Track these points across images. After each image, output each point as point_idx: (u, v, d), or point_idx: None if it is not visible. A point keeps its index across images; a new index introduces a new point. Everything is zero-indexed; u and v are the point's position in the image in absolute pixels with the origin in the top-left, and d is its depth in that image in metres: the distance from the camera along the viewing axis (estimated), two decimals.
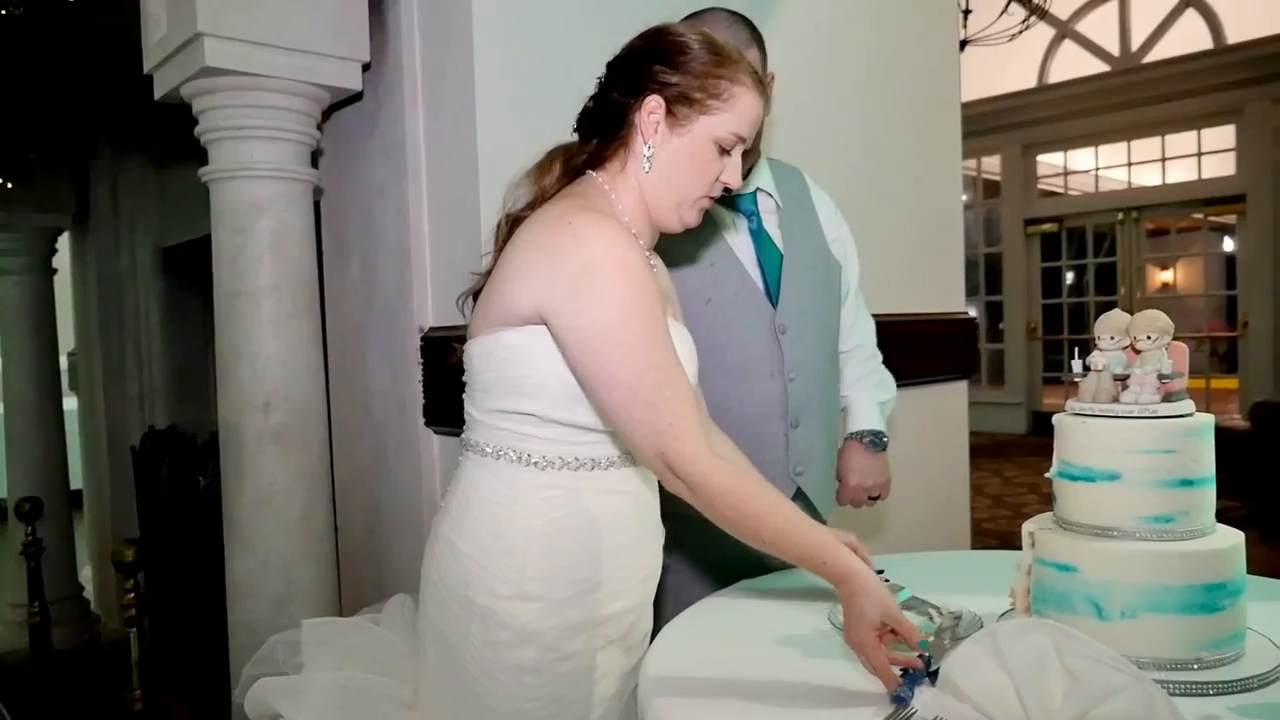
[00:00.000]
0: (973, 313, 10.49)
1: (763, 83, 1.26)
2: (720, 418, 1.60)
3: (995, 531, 5.60)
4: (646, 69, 1.22)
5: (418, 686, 1.29)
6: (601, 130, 1.26)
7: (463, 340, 1.28)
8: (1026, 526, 1.21)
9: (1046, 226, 9.95)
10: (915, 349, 2.77)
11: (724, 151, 1.24)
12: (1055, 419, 1.19)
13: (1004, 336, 10.19)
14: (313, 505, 2.11)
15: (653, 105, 1.21)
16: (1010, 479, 7.39)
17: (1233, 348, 9.22)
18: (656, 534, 1.32)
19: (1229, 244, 10.21)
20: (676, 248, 1.62)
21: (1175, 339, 1.17)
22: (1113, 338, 1.18)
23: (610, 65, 1.28)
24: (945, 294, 3.03)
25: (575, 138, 1.32)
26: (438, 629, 1.24)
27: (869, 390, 1.88)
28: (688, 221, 1.27)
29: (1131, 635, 1.07)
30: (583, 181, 1.27)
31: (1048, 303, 10.10)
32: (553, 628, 1.19)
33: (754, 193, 1.71)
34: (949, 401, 3.05)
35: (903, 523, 2.83)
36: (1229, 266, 9.70)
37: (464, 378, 1.27)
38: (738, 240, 1.67)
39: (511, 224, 1.26)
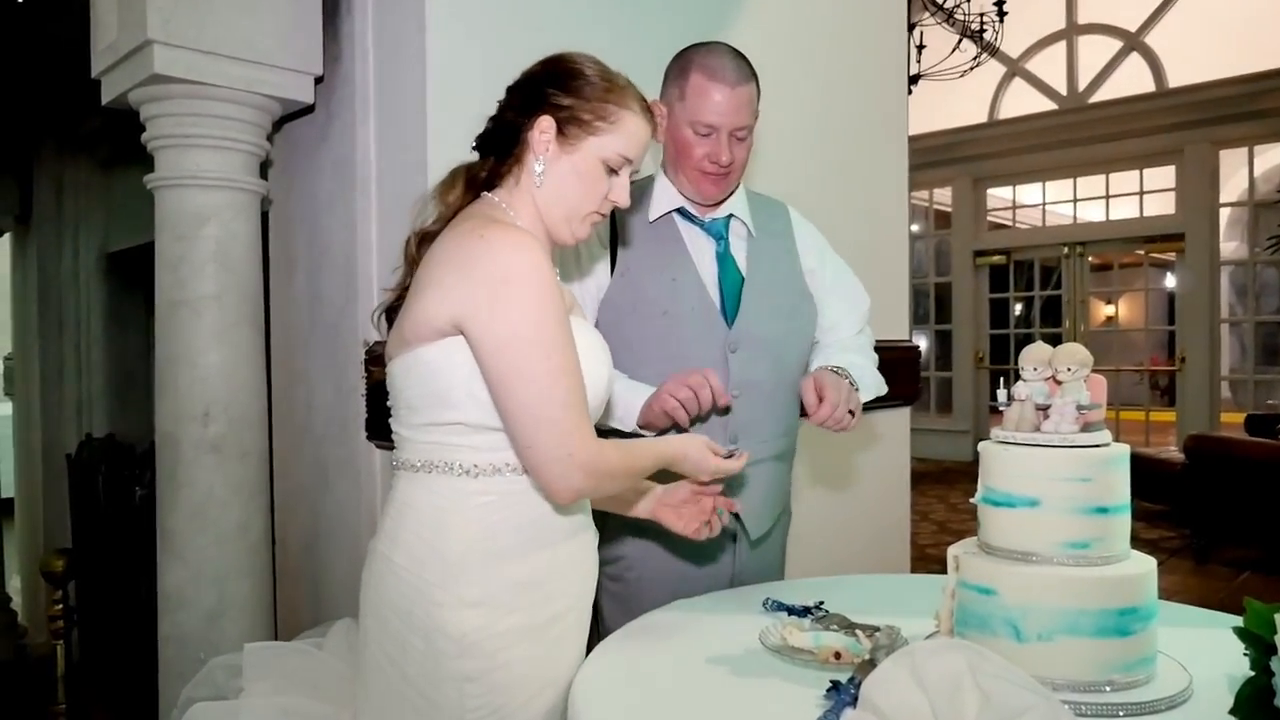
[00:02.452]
0: (923, 341, 10.52)
1: (650, 111, 1.35)
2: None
3: (938, 557, 5.63)
4: (541, 91, 1.30)
5: (356, 711, 1.28)
6: (498, 148, 1.32)
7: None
8: (951, 550, 1.23)
9: (995, 258, 10.16)
10: None
11: (612, 171, 1.32)
12: (980, 446, 1.23)
13: (953, 365, 10.36)
14: (250, 517, 2.09)
15: (544, 124, 1.28)
16: (955, 505, 7.48)
17: (1172, 381, 9.47)
18: (590, 531, 1.35)
19: (1170, 280, 10.51)
20: (642, 259, 1.67)
21: (1115, 372, 1.20)
22: (1035, 369, 1.22)
23: (509, 88, 1.36)
24: (890, 322, 3.07)
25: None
26: (378, 645, 1.23)
27: (855, 352, 1.82)
28: (578, 235, 1.34)
29: (1047, 657, 1.10)
30: (481, 202, 1.32)
31: (995, 333, 10.30)
32: (494, 636, 1.19)
33: (727, 218, 1.75)
34: (892, 428, 3.09)
35: (844, 547, 2.86)
36: (1170, 302, 9.98)
37: (389, 401, 1.28)
38: (702, 260, 1.71)
39: (420, 240, 1.32)
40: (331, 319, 2.22)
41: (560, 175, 1.29)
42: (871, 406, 2.93)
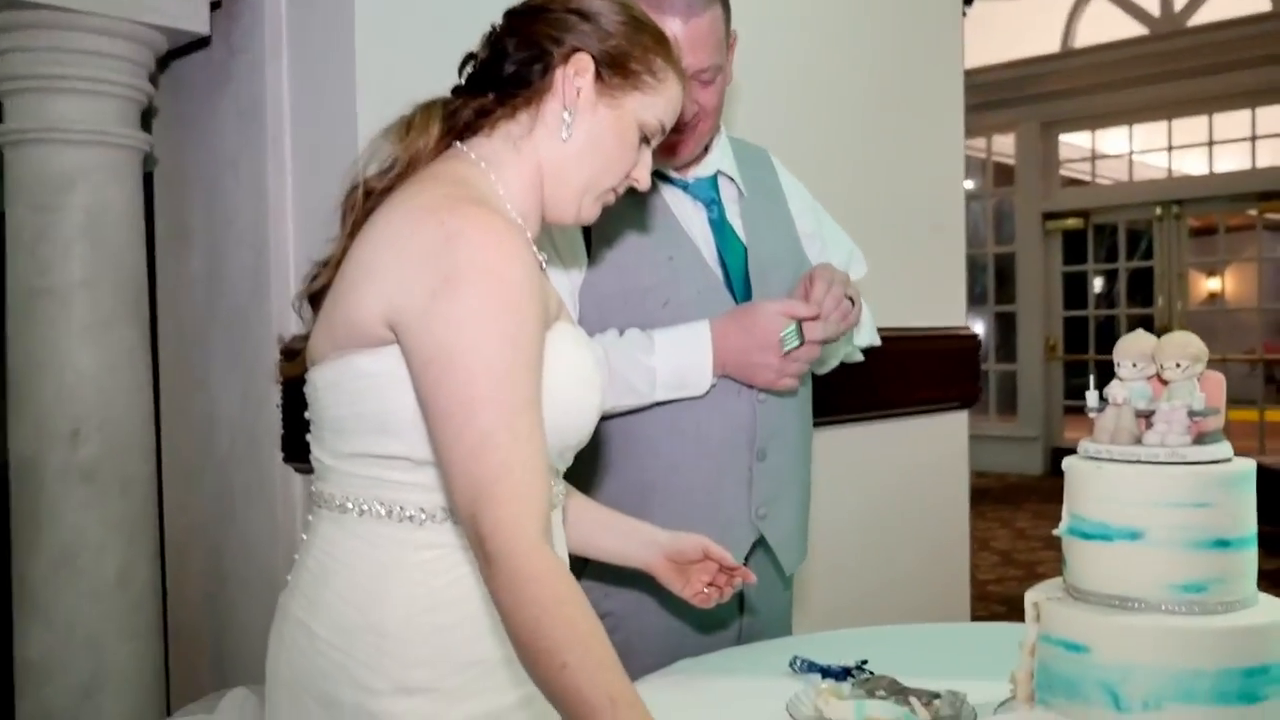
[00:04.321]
0: (979, 327, 10.57)
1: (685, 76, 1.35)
2: (674, 444, 1.66)
3: (1003, 596, 5.70)
4: (570, 19, 1.24)
5: None
6: (501, 84, 1.26)
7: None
8: (1030, 595, 1.23)
9: (1070, 222, 10.21)
10: (905, 373, 2.82)
11: (644, 140, 1.29)
12: (1065, 463, 1.22)
13: (1017, 356, 10.40)
14: (133, 564, 2.08)
15: (581, 63, 1.23)
16: (1023, 531, 7.54)
17: None
18: None
19: None
20: (625, 237, 1.67)
21: (1222, 362, 1.20)
22: (1135, 365, 1.21)
23: (518, 10, 1.29)
24: (942, 305, 3.09)
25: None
26: None
27: None
28: (585, 215, 1.30)
29: None
30: (452, 157, 1.26)
31: (1070, 315, 10.36)
32: None
33: (714, 176, 1.76)
34: (946, 437, 3.11)
35: (889, 586, 2.86)
36: None
37: (307, 413, 1.25)
38: (695, 232, 1.72)
39: (369, 197, 1.25)
40: (237, 308, 2.21)
41: (595, 132, 1.25)
42: (920, 410, 2.97)
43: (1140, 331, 1.25)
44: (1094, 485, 1.17)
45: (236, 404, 2.22)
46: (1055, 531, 1.23)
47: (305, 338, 1.28)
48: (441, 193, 1.18)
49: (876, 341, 1.96)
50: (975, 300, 10.49)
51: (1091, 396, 1.24)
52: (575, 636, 1.02)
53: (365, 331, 1.15)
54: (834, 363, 1.91)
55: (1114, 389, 1.22)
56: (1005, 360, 10.54)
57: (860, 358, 1.98)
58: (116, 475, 2.06)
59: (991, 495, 8.91)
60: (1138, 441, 1.18)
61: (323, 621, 1.19)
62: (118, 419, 2.07)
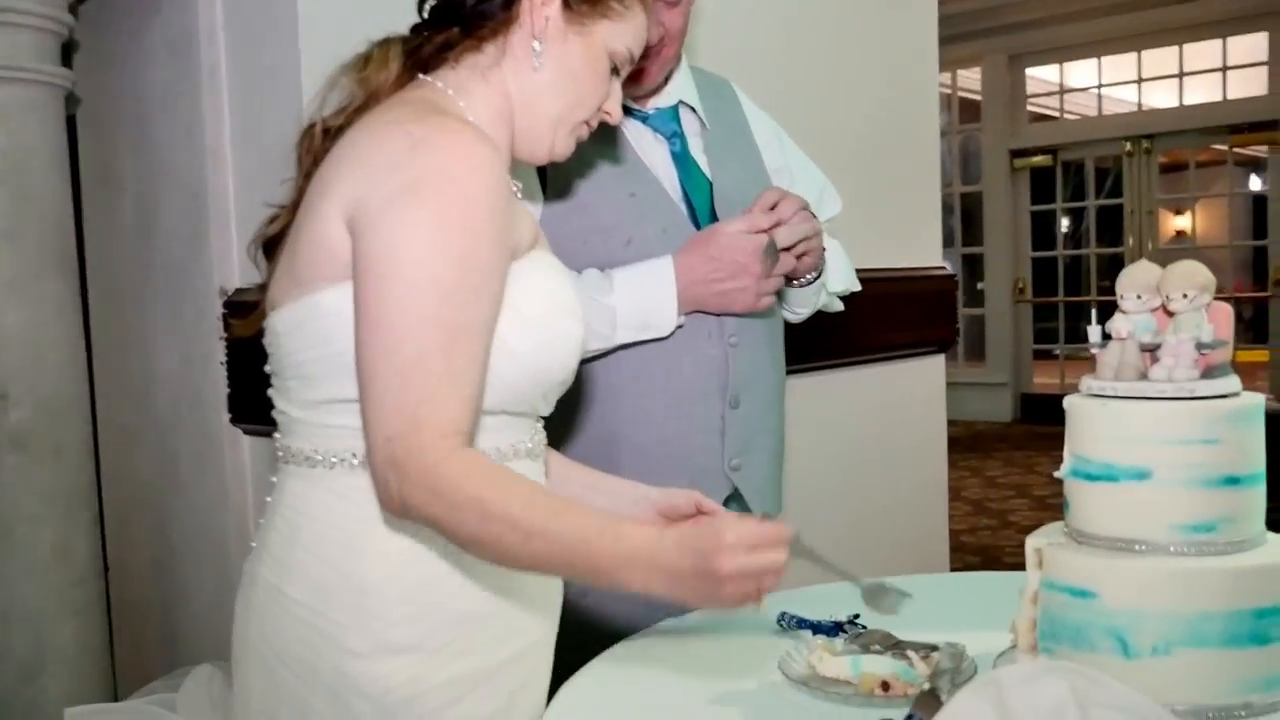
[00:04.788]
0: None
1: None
2: (642, 392, 1.66)
3: (976, 546, 5.78)
4: None
5: None
6: (465, 17, 1.26)
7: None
8: (1032, 541, 1.23)
9: (1037, 159, 10.27)
10: (879, 316, 2.81)
11: (614, 71, 1.32)
12: (1067, 402, 1.22)
13: (984, 299, 10.49)
14: (72, 537, 2.07)
15: None
16: (994, 479, 7.65)
17: (1262, 312, 9.70)
18: None
19: (1255, 183, 10.71)
20: (586, 174, 1.66)
21: None
22: (1140, 297, 1.21)
23: None
24: (918, 244, 3.10)
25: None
26: (264, 709, 1.20)
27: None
28: (559, 150, 1.32)
29: (1165, 676, 1.10)
30: (419, 87, 1.27)
31: (1039, 255, 10.45)
32: (430, 691, 1.16)
33: (675, 107, 1.76)
34: (921, 382, 3.13)
35: (866, 537, 2.88)
36: (1258, 210, 10.18)
37: (267, 365, 1.24)
38: (657, 166, 1.72)
39: (327, 135, 1.25)
40: (173, 259, 2.18)
41: (566, 62, 1.26)
42: (894, 354, 2.98)
43: (1144, 261, 1.25)
44: (1099, 424, 1.17)
45: (176, 362, 2.20)
46: (1057, 474, 1.22)
47: (263, 287, 1.27)
48: (408, 109, 1.19)
49: (855, 286, 1.95)
50: (942, 242, 10.56)
51: (1094, 331, 1.23)
52: (523, 504, 1.04)
53: (331, 256, 1.14)
54: (807, 312, 1.89)
55: (1117, 322, 1.21)
56: (973, 304, 10.62)
57: (840, 306, 1.96)
58: (49, 441, 2.05)
59: (961, 444, 9.00)
60: (1143, 377, 1.18)
61: (295, 583, 1.18)
62: (48, 381, 2.05)
